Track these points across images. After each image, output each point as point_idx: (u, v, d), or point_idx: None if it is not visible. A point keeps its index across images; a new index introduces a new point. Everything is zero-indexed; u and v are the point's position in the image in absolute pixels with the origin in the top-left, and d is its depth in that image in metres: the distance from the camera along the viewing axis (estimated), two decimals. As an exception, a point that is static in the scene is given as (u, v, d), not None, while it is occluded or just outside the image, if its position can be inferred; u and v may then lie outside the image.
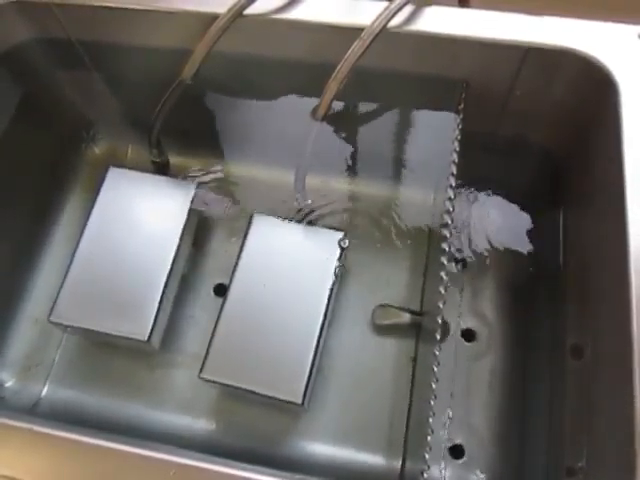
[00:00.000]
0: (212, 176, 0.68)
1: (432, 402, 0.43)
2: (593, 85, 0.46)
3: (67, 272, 0.57)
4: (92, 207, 0.59)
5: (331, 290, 0.55)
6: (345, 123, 0.59)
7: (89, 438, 0.40)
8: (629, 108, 0.43)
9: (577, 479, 0.44)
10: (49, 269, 0.65)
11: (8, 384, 0.61)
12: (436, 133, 0.55)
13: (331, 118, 0.56)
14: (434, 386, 0.43)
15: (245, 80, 0.56)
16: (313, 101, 0.47)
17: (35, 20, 0.54)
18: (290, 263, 0.56)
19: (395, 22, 0.46)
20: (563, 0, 0.53)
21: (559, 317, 0.52)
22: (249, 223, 0.58)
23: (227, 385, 0.53)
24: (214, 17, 0.47)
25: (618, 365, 0.40)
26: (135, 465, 0.40)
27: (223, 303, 0.55)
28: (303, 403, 0.51)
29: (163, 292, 0.56)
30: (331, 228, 0.58)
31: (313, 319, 0.54)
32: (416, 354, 0.58)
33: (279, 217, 0.59)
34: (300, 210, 0.58)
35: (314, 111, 0.46)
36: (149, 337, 0.54)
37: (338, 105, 0.56)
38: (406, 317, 0.59)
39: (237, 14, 0.47)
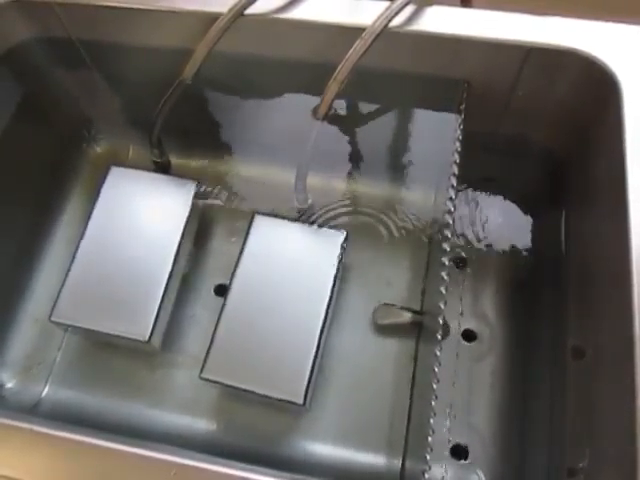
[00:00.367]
0: (213, 176, 0.67)
1: (433, 402, 0.43)
2: (595, 85, 0.46)
3: (68, 272, 0.57)
4: (93, 206, 0.59)
5: (332, 290, 0.55)
6: (346, 123, 0.59)
7: (90, 438, 0.40)
8: (631, 108, 0.43)
9: (578, 479, 0.44)
10: (50, 269, 0.65)
11: (9, 384, 0.60)
12: (437, 133, 0.55)
13: (332, 118, 0.57)
14: (435, 386, 0.43)
15: (246, 80, 0.56)
16: (314, 101, 0.47)
17: (36, 19, 0.54)
18: (291, 263, 0.56)
19: (396, 22, 0.46)
20: (565, 0, 0.53)
21: (560, 317, 0.52)
22: (250, 223, 0.58)
23: (228, 385, 0.53)
24: (215, 17, 0.47)
25: (620, 365, 0.39)
26: (136, 465, 0.39)
27: (224, 303, 0.55)
28: (304, 403, 0.51)
29: (164, 292, 0.56)
30: (332, 228, 0.58)
31: (314, 319, 0.54)
32: (417, 354, 0.58)
33: (280, 217, 0.59)
34: (301, 210, 0.58)
35: (315, 111, 0.46)
36: (150, 337, 0.54)
37: (339, 105, 0.56)
38: (407, 317, 0.59)
39: (238, 14, 0.47)
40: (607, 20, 0.46)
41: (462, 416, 0.56)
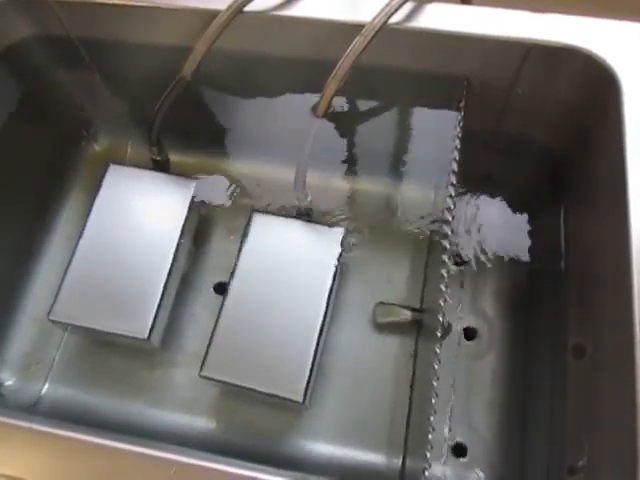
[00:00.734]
0: (212, 173, 0.67)
1: (433, 400, 0.43)
2: (596, 83, 0.46)
3: (67, 270, 0.56)
4: (92, 205, 0.59)
5: (331, 288, 0.55)
6: (346, 120, 0.58)
7: (89, 437, 0.40)
8: (632, 106, 0.43)
9: (578, 478, 0.44)
10: (49, 267, 0.65)
11: (8, 383, 0.60)
12: (437, 131, 0.55)
13: (332, 116, 0.56)
14: (435, 384, 0.43)
15: (245, 77, 0.56)
16: (313, 98, 0.46)
17: (34, 17, 0.54)
18: (290, 261, 0.56)
19: (396, 18, 0.45)
20: (565, -3, 0.53)
21: (560, 316, 0.52)
22: (249, 221, 0.58)
23: (227, 383, 0.53)
24: (214, 14, 0.47)
25: (620, 364, 0.39)
26: (136, 463, 0.39)
27: (223, 301, 0.55)
28: (304, 401, 0.51)
29: (163, 290, 0.55)
30: (331, 225, 0.58)
31: (313, 317, 0.54)
32: (417, 352, 0.58)
33: (279, 215, 0.58)
34: (300, 207, 0.58)
35: (314, 108, 0.46)
36: (149, 335, 0.54)
37: (339, 102, 0.56)
38: (407, 315, 0.58)
39: (237, 11, 0.46)
40: (608, 17, 0.46)
41: (462, 414, 0.56)
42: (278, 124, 0.61)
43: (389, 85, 0.53)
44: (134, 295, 0.55)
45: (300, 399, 0.51)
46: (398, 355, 0.58)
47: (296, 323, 0.53)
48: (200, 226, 0.63)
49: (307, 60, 0.51)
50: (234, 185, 0.67)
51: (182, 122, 0.58)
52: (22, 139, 0.62)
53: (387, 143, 0.61)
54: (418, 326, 0.59)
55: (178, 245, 0.57)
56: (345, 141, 0.62)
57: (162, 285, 0.55)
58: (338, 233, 0.57)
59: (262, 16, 0.48)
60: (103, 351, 0.60)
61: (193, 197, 0.59)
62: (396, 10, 0.44)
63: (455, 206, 0.47)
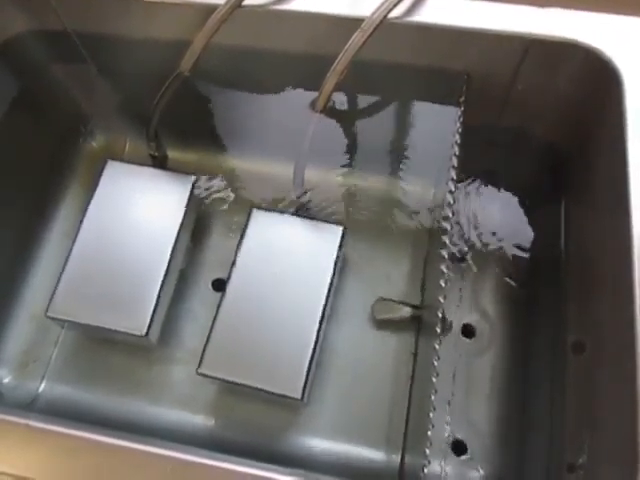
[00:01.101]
0: (210, 170, 0.67)
1: (433, 397, 0.43)
2: (597, 77, 0.46)
3: (64, 267, 0.56)
4: (90, 201, 0.58)
5: (330, 284, 0.55)
6: (345, 116, 0.58)
7: (86, 434, 0.40)
8: (633, 101, 0.43)
9: (578, 475, 0.44)
10: (46, 264, 0.64)
11: (5, 380, 0.60)
12: (436, 126, 0.55)
13: (331, 111, 0.56)
14: (435, 380, 0.43)
15: (244, 72, 0.55)
16: (313, 94, 0.46)
17: (31, 11, 0.53)
18: (289, 257, 0.56)
19: (396, 13, 0.45)
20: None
21: (560, 312, 0.52)
22: (248, 217, 0.58)
23: (225, 380, 0.53)
24: (212, 8, 0.46)
25: (621, 360, 0.39)
26: (132, 461, 0.39)
27: (221, 298, 0.55)
28: (302, 398, 0.51)
29: (161, 287, 0.55)
30: (330, 222, 0.58)
31: (312, 313, 0.53)
32: (416, 349, 0.58)
33: (278, 211, 0.58)
34: (299, 204, 0.57)
35: (313, 103, 0.46)
36: (147, 332, 0.54)
37: (338, 98, 0.56)
38: (406, 311, 0.58)
39: (236, 5, 0.46)
40: (609, 12, 0.46)
41: (461, 411, 0.56)
42: (277, 120, 0.61)
43: (389, 80, 0.53)
44: (132, 291, 0.55)
45: (299, 396, 0.51)
46: (397, 352, 0.58)
47: (295, 320, 0.53)
48: (198, 222, 0.63)
49: (306, 55, 0.51)
50: (232, 181, 0.67)
51: (180, 118, 0.57)
52: (19, 135, 0.61)
53: (386, 139, 0.61)
54: (417, 323, 0.59)
55: (176, 241, 0.57)
56: (344, 137, 0.61)
57: (160, 282, 0.55)
58: (337, 229, 0.57)
59: (261, 10, 0.48)
60: (101, 348, 0.60)
61: (191, 193, 0.59)
62: (396, 4, 0.44)
63: (455, 202, 0.46)
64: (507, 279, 0.61)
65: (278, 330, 0.53)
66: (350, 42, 0.43)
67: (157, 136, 0.57)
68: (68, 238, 0.59)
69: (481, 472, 0.54)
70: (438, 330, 0.44)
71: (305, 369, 0.51)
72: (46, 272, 0.63)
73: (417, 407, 0.53)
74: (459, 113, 0.49)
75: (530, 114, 0.53)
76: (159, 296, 0.55)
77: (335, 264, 0.55)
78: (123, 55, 0.56)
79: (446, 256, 0.45)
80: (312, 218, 0.58)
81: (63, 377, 0.60)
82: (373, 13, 0.43)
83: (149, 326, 0.54)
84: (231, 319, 0.54)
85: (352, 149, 0.63)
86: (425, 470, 0.42)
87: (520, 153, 0.59)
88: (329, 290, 0.54)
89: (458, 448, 0.55)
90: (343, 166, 0.66)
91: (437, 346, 0.44)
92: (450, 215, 0.46)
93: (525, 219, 0.63)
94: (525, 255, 0.61)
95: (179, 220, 0.57)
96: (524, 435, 0.54)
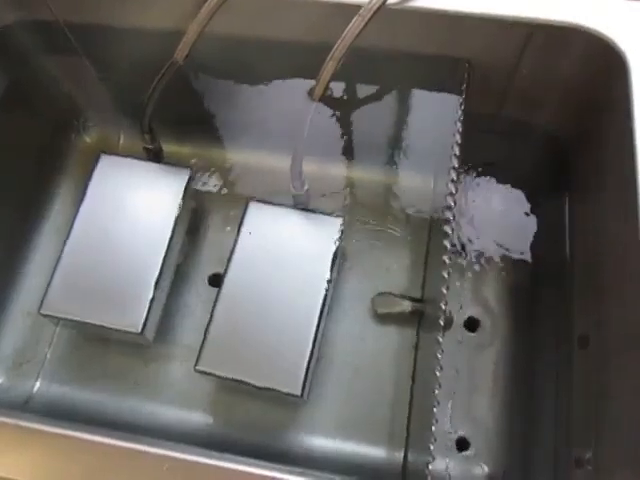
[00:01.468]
0: (206, 163, 0.66)
1: (436, 391, 0.42)
2: (602, 64, 0.45)
3: (58, 263, 0.56)
4: (83, 196, 0.58)
5: (329, 278, 0.54)
6: (343, 105, 0.58)
7: (81, 434, 0.40)
8: (639, 85, 0.42)
9: (586, 470, 0.43)
10: (40, 260, 0.64)
11: (-1, 380, 0.60)
12: (437, 116, 0.54)
13: (329, 101, 0.55)
14: (438, 374, 0.42)
15: (239, 62, 0.55)
16: (310, 83, 0.45)
17: (21, 1, 0.52)
18: (287, 251, 0.55)
19: (395, -2, 0.44)
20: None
21: (565, 306, 0.52)
22: (245, 210, 0.57)
23: (224, 377, 0.52)
24: (206, -5, 0.45)
25: (628, 353, 0.39)
26: (128, 460, 0.39)
27: (218, 293, 0.54)
28: (302, 395, 0.51)
29: (157, 282, 0.55)
30: (329, 214, 0.57)
31: (311, 308, 0.53)
32: (418, 343, 0.58)
33: (275, 203, 0.58)
34: (297, 196, 0.56)
35: (311, 91, 0.45)
36: (142, 329, 0.53)
37: (336, 87, 0.55)
38: (407, 305, 0.58)
39: (230, -9, 0.45)
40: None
41: (465, 407, 0.55)
42: (273, 110, 0.60)
43: (388, 68, 0.52)
44: (127, 288, 0.54)
45: (298, 392, 0.50)
46: (398, 346, 0.58)
47: (294, 315, 0.53)
48: (194, 216, 0.63)
49: (303, 43, 0.50)
50: (229, 174, 0.66)
51: (175, 110, 0.57)
52: (10, 129, 0.60)
53: (386, 129, 0.60)
54: (419, 317, 0.58)
55: (172, 236, 0.56)
56: (343, 127, 0.61)
57: (155, 277, 0.55)
58: (336, 222, 0.56)
59: (256, -3, 0.47)
60: (95, 346, 0.60)
61: (187, 187, 0.58)
62: (395, -11, 0.43)
63: (457, 191, 0.46)
64: (510, 272, 0.60)
65: (277, 325, 0.52)
66: (348, 29, 0.42)
67: (151, 128, 0.57)
68: (62, 234, 0.58)
69: (485, 468, 0.54)
70: (441, 323, 0.43)
71: (305, 365, 0.51)
72: (40, 269, 0.63)
73: (419, 402, 0.53)
74: (460, 101, 0.48)
75: (533, 102, 0.53)
76: (154, 292, 0.54)
77: (334, 257, 0.55)
78: (115, 45, 0.55)
79: (449, 246, 0.44)
80: (310, 211, 0.57)
81: (58, 376, 0.60)
82: (372, -2, 0.42)
83: (144, 323, 0.54)
84: (228, 315, 0.53)
85: (351, 139, 0.63)
86: (430, 466, 0.41)
87: (523, 143, 0.58)
88: (328, 284, 0.54)
89: (461, 444, 0.54)
90: (342, 157, 0.65)
91: (440, 339, 0.43)
92: (452, 204, 0.45)
93: (528, 210, 0.62)
94: (529, 248, 0.61)
95: (174, 214, 0.57)
96: (529, 430, 0.54)
